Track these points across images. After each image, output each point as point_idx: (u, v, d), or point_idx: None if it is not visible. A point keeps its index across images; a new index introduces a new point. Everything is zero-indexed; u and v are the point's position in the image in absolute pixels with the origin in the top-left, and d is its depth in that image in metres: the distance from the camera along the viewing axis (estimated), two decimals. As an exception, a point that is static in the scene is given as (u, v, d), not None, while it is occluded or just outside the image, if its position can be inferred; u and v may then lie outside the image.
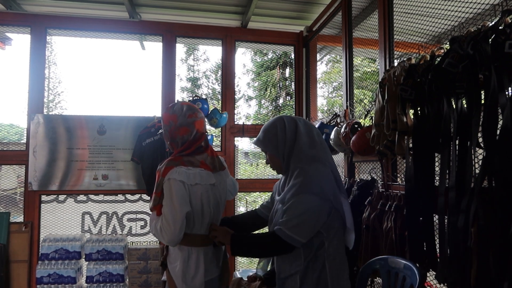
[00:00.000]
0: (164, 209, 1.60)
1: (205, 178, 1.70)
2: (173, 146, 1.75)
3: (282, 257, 1.62)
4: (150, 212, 1.72)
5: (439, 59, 1.64)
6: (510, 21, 1.36)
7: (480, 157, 1.44)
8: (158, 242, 3.69)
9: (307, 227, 1.49)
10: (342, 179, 2.96)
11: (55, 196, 3.61)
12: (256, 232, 1.86)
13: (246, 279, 2.05)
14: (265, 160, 1.75)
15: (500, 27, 1.36)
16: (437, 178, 1.69)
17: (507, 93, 1.30)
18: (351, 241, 1.65)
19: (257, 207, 1.99)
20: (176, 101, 3.76)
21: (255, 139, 1.73)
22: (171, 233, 1.57)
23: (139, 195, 3.75)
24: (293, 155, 1.60)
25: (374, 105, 2.22)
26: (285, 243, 1.50)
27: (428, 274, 1.89)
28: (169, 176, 1.60)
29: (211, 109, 3.63)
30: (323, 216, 1.51)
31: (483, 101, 1.41)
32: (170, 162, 1.66)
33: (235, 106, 4.30)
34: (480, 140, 1.43)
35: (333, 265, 1.55)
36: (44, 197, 3.58)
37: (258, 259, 2.09)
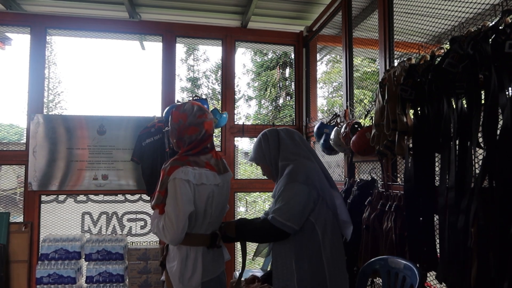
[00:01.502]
0: (167, 208, 1.60)
1: (210, 179, 1.70)
2: (180, 145, 1.75)
3: (276, 250, 1.71)
4: (151, 212, 1.73)
5: (439, 59, 1.64)
6: (510, 21, 1.36)
7: (480, 157, 1.43)
8: (158, 242, 3.69)
9: (296, 213, 1.60)
10: (342, 179, 2.96)
11: (55, 196, 3.61)
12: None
13: (244, 281, 2.05)
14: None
15: (500, 27, 1.36)
16: (437, 178, 1.69)
17: (507, 93, 1.30)
18: (348, 233, 1.76)
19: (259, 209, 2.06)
20: (176, 101, 3.76)
21: (249, 157, 1.93)
22: (173, 232, 1.57)
23: (139, 195, 3.74)
24: (279, 158, 1.75)
25: (374, 105, 2.22)
26: (279, 230, 1.60)
27: (428, 274, 1.89)
28: (174, 175, 1.60)
29: (211, 109, 3.63)
30: (310, 202, 1.62)
31: (483, 101, 1.41)
32: (175, 161, 1.65)
33: (235, 106, 4.30)
34: (480, 140, 1.43)
35: (330, 258, 1.61)
36: (44, 197, 3.57)
37: (257, 259, 2.15)
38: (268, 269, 2.06)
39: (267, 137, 1.82)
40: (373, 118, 2.09)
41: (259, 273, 2.65)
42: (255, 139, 1.90)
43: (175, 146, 1.78)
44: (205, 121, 1.74)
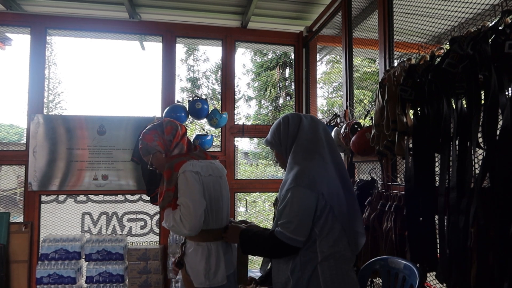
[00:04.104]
0: (182, 199, 1.62)
1: (215, 171, 1.78)
2: (169, 149, 1.77)
3: (275, 259, 1.58)
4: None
5: (439, 60, 1.64)
6: (510, 21, 1.36)
7: (480, 157, 1.44)
8: (158, 242, 3.69)
9: (305, 225, 1.44)
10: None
11: (55, 196, 3.61)
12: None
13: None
14: (273, 160, 1.76)
15: (500, 28, 1.36)
16: (437, 178, 1.69)
17: (507, 93, 1.30)
18: (359, 243, 1.55)
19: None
20: (176, 101, 3.76)
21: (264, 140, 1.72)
22: (192, 219, 1.58)
23: (139, 195, 3.74)
24: (292, 150, 1.55)
25: (374, 106, 2.22)
26: (287, 246, 1.44)
27: (428, 274, 1.89)
28: (184, 168, 1.64)
29: (211, 109, 3.64)
30: (317, 210, 1.45)
31: (483, 101, 1.41)
32: (180, 157, 1.71)
33: (235, 106, 4.30)
34: (480, 140, 1.43)
35: (327, 268, 1.44)
36: (44, 197, 3.58)
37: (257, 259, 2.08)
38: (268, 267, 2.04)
39: (288, 122, 1.59)
40: (373, 118, 2.09)
41: (259, 273, 2.66)
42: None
43: (168, 157, 1.77)
44: (170, 119, 1.83)
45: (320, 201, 1.44)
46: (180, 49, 18.68)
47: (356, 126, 2.54)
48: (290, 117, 1.61)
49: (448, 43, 1.57)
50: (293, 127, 1.57)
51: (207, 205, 1.68)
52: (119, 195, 3.73)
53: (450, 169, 1.55)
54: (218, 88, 17.49)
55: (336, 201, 1.47)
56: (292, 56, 4.35)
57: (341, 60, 3.29)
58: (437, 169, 1.72)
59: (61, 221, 3.64)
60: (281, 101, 14.57)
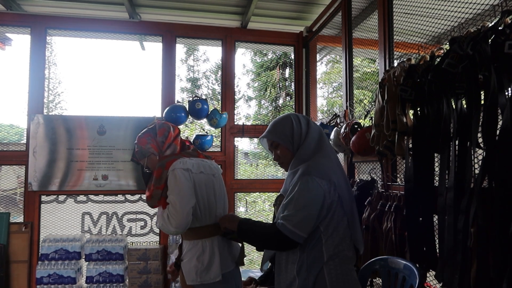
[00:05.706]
0: (170, 197, 1.62)
1: (207, 169, 1.78)
2: (162, 150, 1.77)
3: (280, 254, 1.58)
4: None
5: (439, 60, 1.64)
6: (509, 21, 1.36)
7: (480, 157, 1.44)
8: (158, 242, 3.69)
9: (309, 221, 1.43)
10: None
11: (55, 196, 3.61)
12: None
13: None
14: (273, 157, 1.68)
15: (499, 28, 1.36)
16: (436, 178, 1.70)
17: (506, 93, 1.30)
18: (359, 252, 1.58)
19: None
20: (176, 102, 3.76)
21: (264, 133, 1.65)
22: (178, 217, 1.58)
23: (139, 195, 3.74)
24: (300, 147, 1.57)
25: (374, 106, 2.22)
26: (287, 239, 1.44)
27: (428, 274, 1.89)
28: (174, 166, 1.65)
29: (211, 109, 3.64)
30: (325, 204, 1.45)
31: (482, 102, 1.41)
32: (171, 156, 1.71)
33: (235, 106, 4.31)
34: (480, 140, 1.43)
35: (333, 269, 1.46)
36: (44, 198, 3.58)
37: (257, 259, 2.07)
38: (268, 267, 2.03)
39: (299, 121, 1.61)
40: (373, 118, 2.09)
41: (259, 273, 2.65)
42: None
43: (160, 157, 1.76)
44: (163, 122, 1.84)
45: (332, 191, 1.47)
46: (180, 49, 18.70)
47: (356, 126, 2.54)
48: (299, 116, 1.64)
49: (448, 43, 1.58)
50: (304, 126, 1.61)
51: (199, 202, 1.68)
52: (119, 195, 3.74)
53: (450, 169, 1.55)
54: (218, 88, 17.49)
55: (346, 193, 1.52)
56: (292, 56, 4.35)
57: (341, 60, 3.29)
58: (436, 169, 1.72)
59: (61, 221, 3.65)
60: (281, 101, 14.56)
